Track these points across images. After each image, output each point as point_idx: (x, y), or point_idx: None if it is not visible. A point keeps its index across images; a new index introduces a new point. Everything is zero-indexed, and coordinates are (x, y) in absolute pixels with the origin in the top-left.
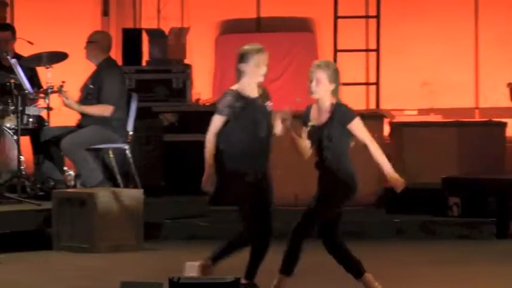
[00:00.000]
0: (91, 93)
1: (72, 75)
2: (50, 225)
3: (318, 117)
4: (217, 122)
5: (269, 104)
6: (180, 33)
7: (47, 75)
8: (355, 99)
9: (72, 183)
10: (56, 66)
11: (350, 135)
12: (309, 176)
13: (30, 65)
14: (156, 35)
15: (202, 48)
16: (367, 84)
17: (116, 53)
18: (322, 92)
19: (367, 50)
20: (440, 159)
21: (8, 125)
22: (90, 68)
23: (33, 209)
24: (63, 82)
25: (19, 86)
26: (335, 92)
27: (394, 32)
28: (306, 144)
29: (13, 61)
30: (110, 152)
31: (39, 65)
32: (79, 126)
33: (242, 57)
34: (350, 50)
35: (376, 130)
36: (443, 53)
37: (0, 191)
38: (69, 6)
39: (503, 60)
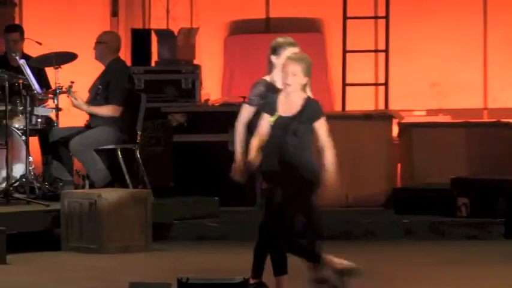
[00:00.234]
0: (100, 94)
1: (81, 75)
2: (59, 226)
3: (285, 109)
4: (245, 112)
5: None
6: (189, 33)
7: (55, 75)
8: (364, 99)
9: (82, 183)
10: (65, 66)
11: (311, 132)
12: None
13: (39, 65)
14: (165, 35)
15: (211, 48)
16: (376, 84)
17: (125, 54)
18: (296, 85)
19: (376, 51)
20: (449, 160)
21: (16, 126)
22: (99, 68)
23: (41, 210)
24: (72, 82)
25: (28, 87)
26: (306, 86)
27: (403, 33)
28: (257, 143)
29: (22, 61)
30: (119, 152)
31: (47, 66)
32: (88, 126)
33: (274, 50)
34: (359, 51)
35: (385, 131)
36: (452, 54)
37: (9, 192)
38: (78, 6)
39: None
